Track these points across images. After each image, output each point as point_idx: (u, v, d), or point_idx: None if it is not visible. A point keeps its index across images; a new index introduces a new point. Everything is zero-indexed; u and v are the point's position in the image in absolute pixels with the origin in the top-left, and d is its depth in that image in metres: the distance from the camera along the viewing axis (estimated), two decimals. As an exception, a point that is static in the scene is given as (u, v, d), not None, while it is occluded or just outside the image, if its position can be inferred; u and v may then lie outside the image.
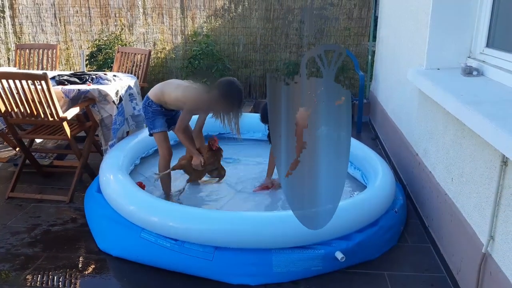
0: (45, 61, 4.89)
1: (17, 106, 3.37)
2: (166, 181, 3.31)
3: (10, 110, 3.39)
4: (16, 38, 6.45)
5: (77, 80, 3.74)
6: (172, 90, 3.14)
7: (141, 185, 3.27)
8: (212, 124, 3.23)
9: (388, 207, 2.98)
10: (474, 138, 2.27)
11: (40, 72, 3.51)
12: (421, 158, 3.28)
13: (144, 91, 4.36)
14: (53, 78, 3.70)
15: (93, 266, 2.67)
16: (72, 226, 3.13)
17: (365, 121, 5.69)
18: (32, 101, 3.31)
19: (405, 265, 2.71)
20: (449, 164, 2.68)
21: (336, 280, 2.55)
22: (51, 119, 3.37)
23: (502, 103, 2.24)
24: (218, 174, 3.48)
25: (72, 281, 2.54)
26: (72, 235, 3.02)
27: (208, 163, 3.28)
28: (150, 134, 3.26)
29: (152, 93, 3.18)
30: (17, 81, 3.24)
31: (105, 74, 4.00)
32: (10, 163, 4.13)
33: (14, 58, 5.40)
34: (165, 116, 3.23)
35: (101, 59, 5.96)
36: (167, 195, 3.30)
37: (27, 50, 4.96)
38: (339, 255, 2.54)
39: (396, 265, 2.70)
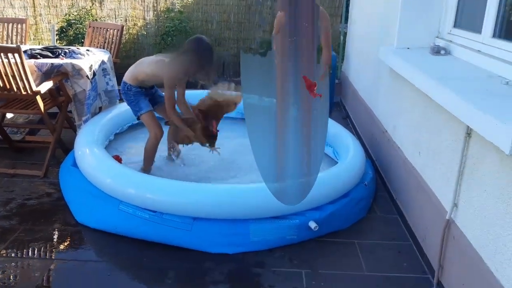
0: (14, 35, 4.77)
1: (-11, 79, 3.31)
2: (149, 159, 3.33)
3: (-19, 83, 3.33)
4: (-18, 12, 6.23)
5: (50, 54, 3.69)
6: (146, 67, 3.19)
7: (118, 158, 3.29)
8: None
9: (358, 180, 3.12)
10: (440, 113, 2.40)
11: (13, 45, 3.44)
12: (390, 135, 3.42)
13: (116, 66, 4.34)
14: (25, 51, 3.63)
15: (71, 238, 2.70)
16: (48, 200, 3.13)
17: (336, 101, 5.82)
18: (5, 75, 3.25)
19: (374, 234, 2.86)
20: (417, 138, 2.82)
21: (309, 248, 2.67)
22: (24, 93, 3.32)
23: (467, 79, 2.37)
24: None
25: (52, 251, 2.56)
26: (48, 208, 3.03)
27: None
28: (138, 118, 3.28)
29: (127, 77, 3.22)
30: (-12, 54, 3.18)
31: (78, 48, 3.95)
32: (-20, 138, 4.05)
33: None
34: (147, 96, 3.26)
35: (72, 34, 5.84)
36: (146, 170, 3.33)
37: (-5, 24, 4.83)
38: (312, 224, 2.66)
39: (366, 234, 2.84)
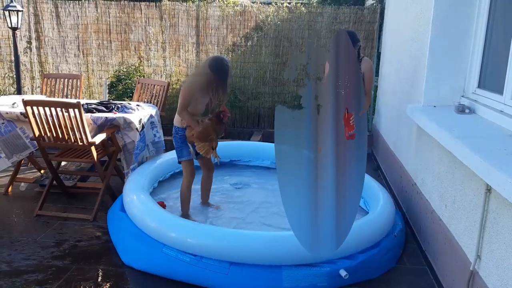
0: (69, 89, 5.25)
1: (50, 131, 3.70)
2: (186, 202, 3.60)
3: (43, 134, 3.72)
4: (41, 68, 6.86)
5: (104, 109, 4.08)
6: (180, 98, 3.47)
7: (162, 204, 3.56)
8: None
9: (388, 231, 3.25)
10: (463, 169, 2.56)
11: (74, 101, 3.86)
12: (419, 187, 3.56)
13: (162, 119, 4.71)
14: (82, 105, 4.03)
15: (118, 278, 2.94)
16: (97, 242, 3.41)
17: (368, 152, 5.97)
18: (64, 127, 3.64)
19: (403, 284, 2.96)
20: (443, 192, 2.96)
21: (339, 296, 2.80)
22: (80, 143, 3.69)
23: (489, 138, 2.54)
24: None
25: (100, 290, 2.80)
26: (97, 250, 3.29)
27: (214, 131, 3.45)
28: (179, 162, 3.57)
29: (175, 120, 3.52)
30: (52, 108, 3.58)
31: (129, 103, 4.34)
32: (37, 183, 4.43)
33: (40, 86, 5.78)
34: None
35: (121, 89, 6.34)
36: (184, 214, 3.58)
37: (53, 80, 5.33)
38: (343, 272, 2.80)
39: (395, 284, 2.95)
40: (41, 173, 4.63)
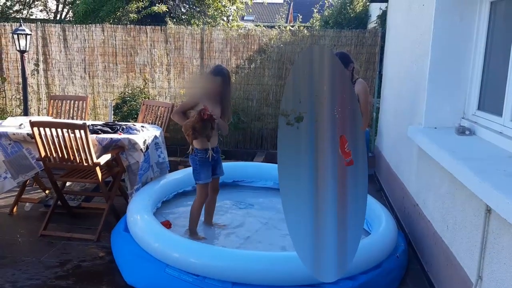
0: (75, 111, 5.33)
1: (56, 152, 3.76)
2: (194, 220, 3.63)
3: (49, 155, 3.78)
4: (47, 89, 6.98)
5: (109, 130, 4.15)
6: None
7: (168, 223, 3.58)
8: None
9: (390, 252, 3.26)
10: (464, 190, 2.58)
11: (80, 122, 3.93)
12: (421, 208, 3.58)
13: (166, 140, 4.77)
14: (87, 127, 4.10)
15: (121, 298, 2.95)
16: (101, 262, 3.42)
17: (371, 173, 6.01)
18: (70, 148, 3.70)
19: (406, 306, 2.96)
20: (445, 213, 2.98)
21: (342, 317, 2.79)
22: (85, 164, 3.74)
23: (489, 159, 2.57)
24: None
25: (103, 310, 2.81)
26: (101, 270, 3.31)
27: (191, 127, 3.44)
28: (196, 183, 3.62)
29: (195, 142, 3.54)
30: (59, 129, 3.65)
31: (134, 125, 4.41)
32: (41, 203, 4.47)
33: (47, 107, 5.87)
34: (210, 164, 3.57)
35: (126, 110, 6.43)
36: (192, 232, 3.61)
37: (59, 101, 5.42)
38: (345, 293, 2.80)
39: (398, 306, 2.95)
40: (45, 193, 4.67)
